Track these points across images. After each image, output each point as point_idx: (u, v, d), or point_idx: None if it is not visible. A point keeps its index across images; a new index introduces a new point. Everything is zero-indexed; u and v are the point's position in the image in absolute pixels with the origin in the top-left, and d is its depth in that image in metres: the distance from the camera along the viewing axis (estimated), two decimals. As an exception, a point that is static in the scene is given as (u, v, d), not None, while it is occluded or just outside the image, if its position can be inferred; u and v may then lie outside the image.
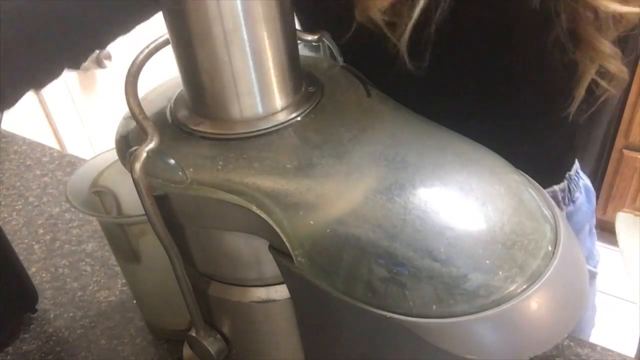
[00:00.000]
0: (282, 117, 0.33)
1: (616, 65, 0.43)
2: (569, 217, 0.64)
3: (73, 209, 0.75)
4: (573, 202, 0.64)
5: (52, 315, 0.59)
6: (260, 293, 0.35)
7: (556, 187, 0.62)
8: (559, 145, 0.60)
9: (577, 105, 0.47)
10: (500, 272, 0.27)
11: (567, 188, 0.63)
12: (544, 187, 0.62)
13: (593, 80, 0.45)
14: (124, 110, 0.35)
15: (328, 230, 0.28)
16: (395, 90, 0.39)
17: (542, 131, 0.57)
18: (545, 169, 0.61)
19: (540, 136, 0.57)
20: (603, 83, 0.45)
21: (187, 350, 0.49)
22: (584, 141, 0.63)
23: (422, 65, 0.47)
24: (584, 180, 0.67)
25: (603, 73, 0.45)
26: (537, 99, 0.51)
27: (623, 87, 0.46)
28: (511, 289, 0.27)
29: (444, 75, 0.51)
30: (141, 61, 0.33)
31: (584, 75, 0.45)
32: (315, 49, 0.41)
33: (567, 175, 0.63)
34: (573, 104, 0.47)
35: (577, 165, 0.66)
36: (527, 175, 0.33)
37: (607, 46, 0.42)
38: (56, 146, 1.30)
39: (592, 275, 0.72)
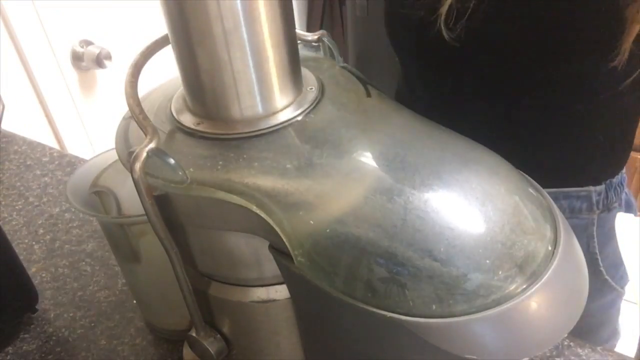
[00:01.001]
0: (282, 117, 0.33)
1: None
2: (601, 223, 0.63)
3: (73, 209, 0.75)
4: (608, 209, 0.63)
5: (52, 315, 0.59)
6: (260, 293, 0.35)
7: (592, 188, 0.61)
8: (596, 143, 0.60)
9: (623, 62, 0.47)
10: (500, 272, 0.27)
11: (604, 192, 0.62)
12: (579, 185, 0.61)
13: (636, 43, 0.46)
14: (124, 110, 0.35)
15: (328, 230, 0.28)
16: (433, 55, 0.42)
17: (580, 118, 0.57)
18: (582, 165, 0.61)
19: (577, 125, 0.58)
20: None
21: (187, 350, 0.49)
22: (623, 153, 0.64)
23: (456, 35, 0.51)
24: (628, 196, 0.67)
25: None
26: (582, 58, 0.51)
27: None
28: (511, 289, 0.27)
29: (481, 47, 0.54)
30: (141, 61, 0.33)
31: (632, 26, 0.45)
32: (315, 49, 0.41)
33: (608, 182, 0.62)
34: (619, 57, 0.47)
35: (624, 179, 0.65)
36: (527, 176, 0.33)
37: None
38: (56, 146, 1.30)
39: (618, 295, 0.69)
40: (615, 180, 0.63)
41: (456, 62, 0.57)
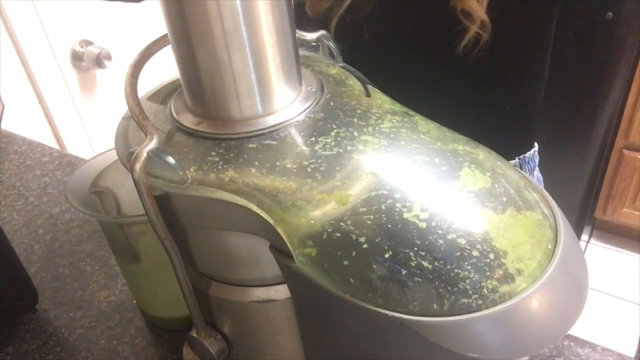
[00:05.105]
0: (282, 116, 0.33)
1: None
2: None
3: (73, 209, 0.75)
4: None
5: (52, 315, 0.59)
6: (260, 293, 0.35)
7: None
8: (502, 114, 0.66)
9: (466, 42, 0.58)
10: (501, 271, 0.27)
11: (518, 167, 0.67)
12: None
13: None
14: (124, 110, 0.35)
15: (329, 230, 0.28)
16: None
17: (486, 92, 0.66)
18: (492, 139, 0.69)
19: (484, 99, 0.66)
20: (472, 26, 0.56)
21: (187, 350, 0.49)
22: (531, 126, 0.69)
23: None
24: (539, 174, 0.72)
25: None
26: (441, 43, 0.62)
27: (488, 30, 0.57)
28: (512, 287, 0.27)
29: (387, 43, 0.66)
30: (141, 61, 0.33)
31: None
32: (315, 49, 0.41)
33: (522, 157, 0.67)
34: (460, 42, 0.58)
35: (536, 156, 0.70)
36: (526, 174, 0.33)
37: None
38: (56, 146, 1.30)
39: None
40: (528, 155, 0.68)
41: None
